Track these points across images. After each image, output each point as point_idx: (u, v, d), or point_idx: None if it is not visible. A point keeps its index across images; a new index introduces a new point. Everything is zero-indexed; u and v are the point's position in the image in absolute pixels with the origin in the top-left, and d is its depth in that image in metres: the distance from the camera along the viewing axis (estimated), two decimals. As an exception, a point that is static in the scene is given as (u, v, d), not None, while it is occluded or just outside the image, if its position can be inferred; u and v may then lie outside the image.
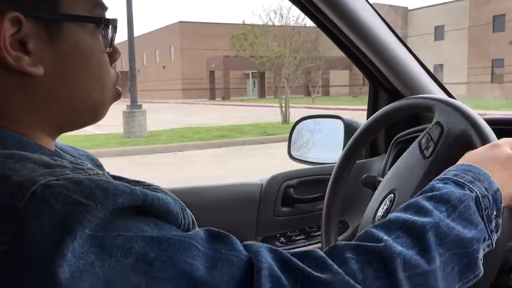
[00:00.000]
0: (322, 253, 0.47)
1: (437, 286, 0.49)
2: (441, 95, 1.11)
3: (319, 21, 1.21)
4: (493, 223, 0.57)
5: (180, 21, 38.05)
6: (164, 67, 41.22)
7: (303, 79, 21.00)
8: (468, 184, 0.58)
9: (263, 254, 0.44)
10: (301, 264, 0.45)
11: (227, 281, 0.41)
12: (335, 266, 0.45)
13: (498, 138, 0.69)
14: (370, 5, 1.15)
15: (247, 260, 0.43)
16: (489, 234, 0.56)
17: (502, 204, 0.59)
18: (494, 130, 0.71)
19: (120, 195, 0.41)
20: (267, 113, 15.19)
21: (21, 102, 0.51)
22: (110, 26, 0.57)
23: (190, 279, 0.40)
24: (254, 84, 39.01)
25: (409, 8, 36.81)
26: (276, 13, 18.40)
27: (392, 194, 0.88)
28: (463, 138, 0.75)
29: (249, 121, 13.86)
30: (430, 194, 0.57)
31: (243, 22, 23.29)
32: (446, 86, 1.31)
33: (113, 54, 0.60)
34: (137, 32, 16.40)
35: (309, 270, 0.44)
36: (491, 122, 0.75)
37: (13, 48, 0.49)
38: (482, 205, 0.56)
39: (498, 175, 0.61)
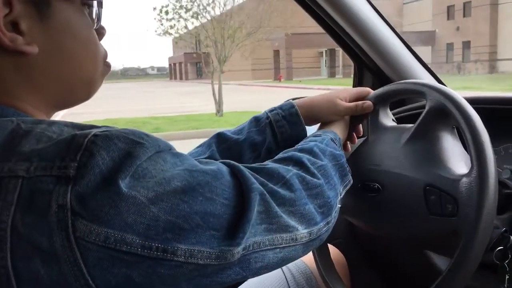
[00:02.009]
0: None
1: (332, 175, 0.70)
2: (433, 82, 1.03)
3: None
4: (344, 157, 0.78)
5: (248, -2, 36.77)
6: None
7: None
8: (322, 133, 0.81)
9: (236, 164, 0.56)
10: (253, 165, 0.61)
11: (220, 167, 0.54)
12: (270, 163, 0.65)
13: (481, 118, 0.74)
14: None
15: (228, 163, 0.56)
16: (346, 161, 0.78)
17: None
18: (477, 109, 0.75)
19: (159, 140, 0.48)
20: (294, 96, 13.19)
21: (20, 81, 0.53)
22: (96, 1, 0.59)
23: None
24: (326, 62, 36.63)
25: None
26: None
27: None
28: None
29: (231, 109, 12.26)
30: (301, 142, 0.78)
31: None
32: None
33: (100, 31, 0.62)
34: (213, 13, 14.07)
35: (258, 165, 0.61)
36: (472, 101, 0.80)
37: (7, 29, 0.50)
38: (336, 143, 0.79)
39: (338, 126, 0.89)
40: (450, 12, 32.85)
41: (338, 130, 0.86)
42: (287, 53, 32.10)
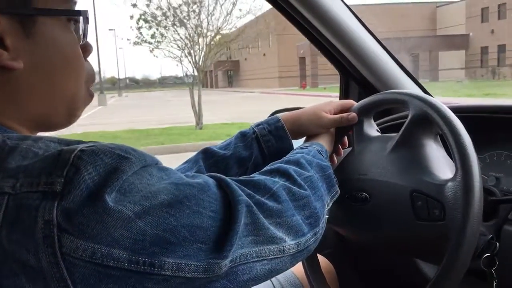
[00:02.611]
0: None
1: (319, 186, 0.70)
2: (416, 91, 1.13)
3: (282, 8, 1.17)
4: (331, 168, 0.77)
5: (276, 6, 36.37)
6: (264, 54, 40.03)
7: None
8: (309, 145, 0.81)
9: (222, 177, 0.56)
10: (240, 178, 0.62)
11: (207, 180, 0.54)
12: (256, 175, 0.65)
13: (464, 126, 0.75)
14: None
15: (215, 176, 0.56)
16: (333, 172, 0.77)
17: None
18: (461, 118, 0.76)
19: (145, 155, 0.48)
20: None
21: (5, 97, 0.53)
22: (82, 18, 0.59)
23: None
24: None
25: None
26: None
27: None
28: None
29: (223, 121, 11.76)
30: (288, 154, 0.77)
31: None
32: None
33: (86, 48, 0.61)
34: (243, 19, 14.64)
35: (245, 178, 0.62)
36: (456, 110, 0.82)
37: None
38: (323, 154, 0.79)
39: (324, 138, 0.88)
40: (484, 14, 31.57)
41: (324, 142, 0.87)
42: (312, 60, 31.51)
